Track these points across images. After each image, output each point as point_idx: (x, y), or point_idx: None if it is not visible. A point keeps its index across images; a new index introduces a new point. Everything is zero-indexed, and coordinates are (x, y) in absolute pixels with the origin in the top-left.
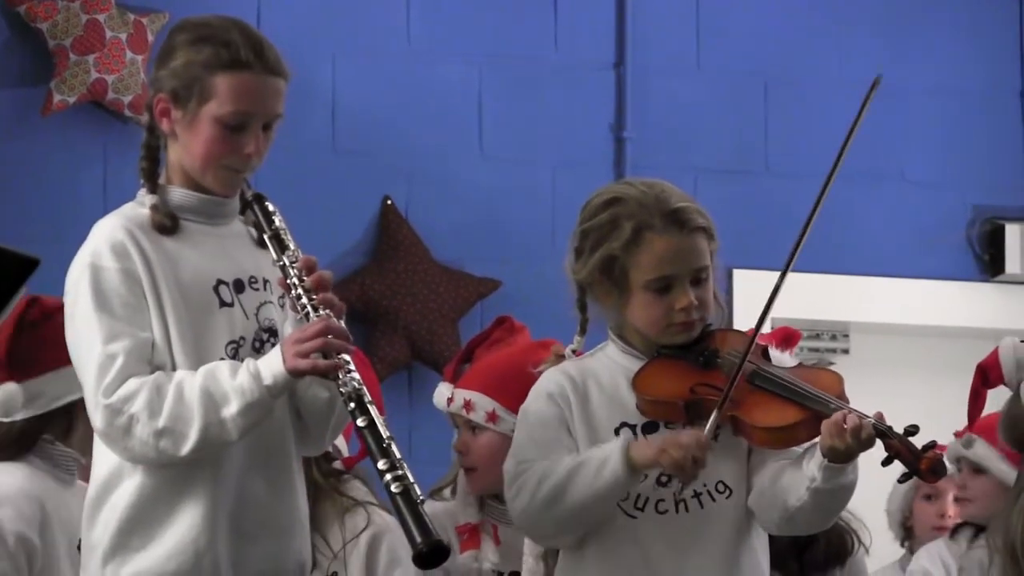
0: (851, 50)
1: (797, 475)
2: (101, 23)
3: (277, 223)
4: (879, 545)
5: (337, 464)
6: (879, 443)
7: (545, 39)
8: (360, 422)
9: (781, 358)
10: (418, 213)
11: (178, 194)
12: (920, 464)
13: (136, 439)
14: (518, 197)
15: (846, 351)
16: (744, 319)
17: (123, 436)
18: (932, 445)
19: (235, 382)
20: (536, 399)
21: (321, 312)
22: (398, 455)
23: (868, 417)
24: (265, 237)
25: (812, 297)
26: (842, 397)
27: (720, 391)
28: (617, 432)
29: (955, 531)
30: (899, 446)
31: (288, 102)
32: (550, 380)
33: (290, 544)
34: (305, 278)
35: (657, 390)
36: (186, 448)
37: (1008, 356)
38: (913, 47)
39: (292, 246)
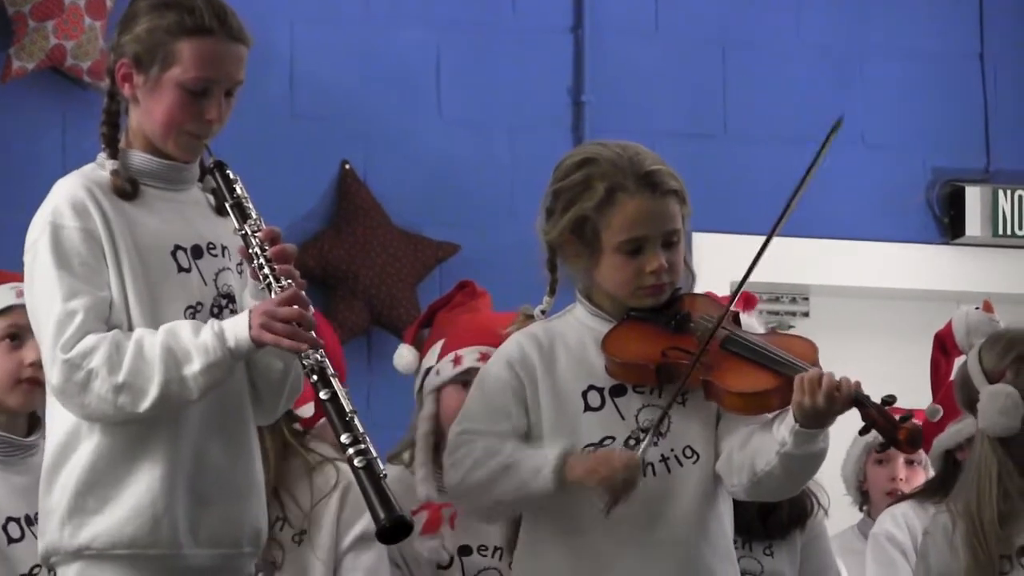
0: (809, 13)
1: (767, 439)
2: None
3: (239, 191)
4: (837, 508)
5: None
6: (847, 415)
7: (502, 3)
8: (323, 395)
9: (749, 322)
10: (376, 178)
11: (138, 158)
12: (898, 434)
13: (94, 394)
14: (476, 161)
15: (806, 314)
16: (703, 282)
17: (80, 392)
18: (908, 416)
19: (198, 340)
20: (496, 363)
21: (284, 282)
22: (361, 429)
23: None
24: (227, 205)
25: (772, 260)
26: (816, 364)
27: (692, 355)
28: (584, 396)
29: (921, 495)
30: (876, 415)
31: (246, 66)
32: (514, 345)
33: (247, 508)
34: (267, 248)
35: (628, 352)
36: (145, 404)
37: (960, 324)
38: (871, 9)
39: (254, 215)
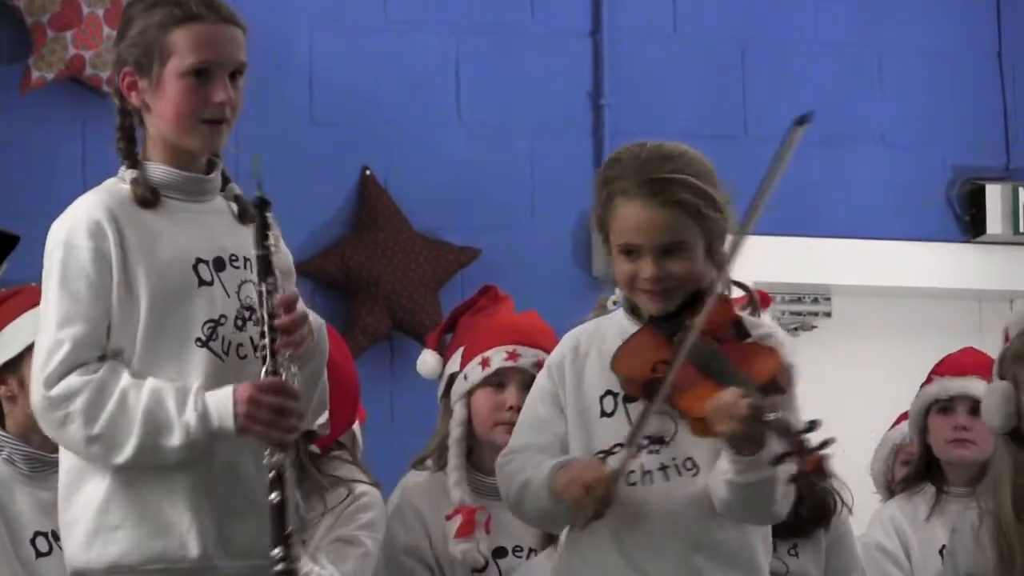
0: (827, 13)
1: (718, 468)
2: None
3: (271, 240)
4: (869, 506)
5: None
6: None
7: (521, 7)
8: (273, 497)
9: (758, 320)
10: (397, 183)
11: (158, 171)
12: (806, 465)
13: (68, 436)
14: (497, 166)
15: (828, 314)
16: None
17: (56, 428)
18: (826, 443)
19: (182, 418)
20: (543, 370)
21: (279, 359)
22: (295, 546)
23: (775, 412)
24: (255, 255)
25: (793, 260)
26: (771, 381)
27: (680, 371)
28: (601, 401)
29: (910, 488)
30: (789, 444)
31: (266, 73)
32: (557, 348)
33: None
34: (278, 312)
35: (624, 366)
36: (119, 459)
37: (1015, 317)
38: (890, 9)
39: (277, 273)
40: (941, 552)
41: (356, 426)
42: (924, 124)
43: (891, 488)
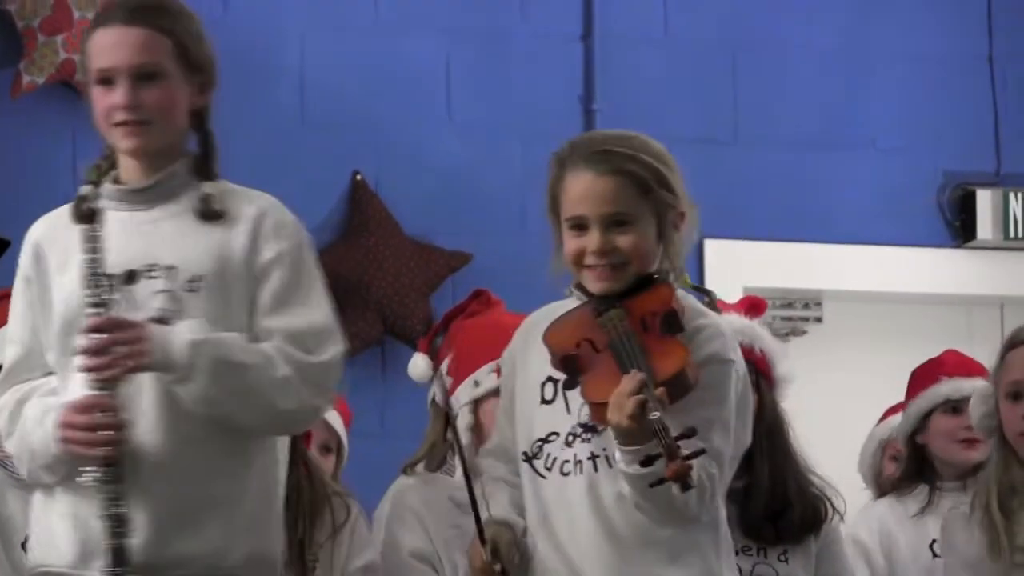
0: (819, 17)
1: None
2: (69, 3)
3: (96, 251)
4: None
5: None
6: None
7: (512, 11)
8: (107, 511)
9: (736, 321)
10: (388, 188)
11: (105, 186)
12: (667, 470)
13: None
14: (488, 171)
15: (819, 319)
16: (714, 289)
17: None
18: (696, 454)
19: (34, 446)
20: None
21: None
22: (127, 560)
23: (658, 410)
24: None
25: (784, 266)
26: (678, 378)
27: (597, 352)
28: (542, 387)
29: (901, 489)
30: (662, 446)
31: (256, 77)
32: (512, 341)
33: (180, 534)
34: (105, 327)
35: (552, 338)
36: (25, 475)
37: None
38: (881, 13)
39: (103, 285)
40: (931, 546)
41: (343, 430)
42: (915, 129)
43: (879, 483)
